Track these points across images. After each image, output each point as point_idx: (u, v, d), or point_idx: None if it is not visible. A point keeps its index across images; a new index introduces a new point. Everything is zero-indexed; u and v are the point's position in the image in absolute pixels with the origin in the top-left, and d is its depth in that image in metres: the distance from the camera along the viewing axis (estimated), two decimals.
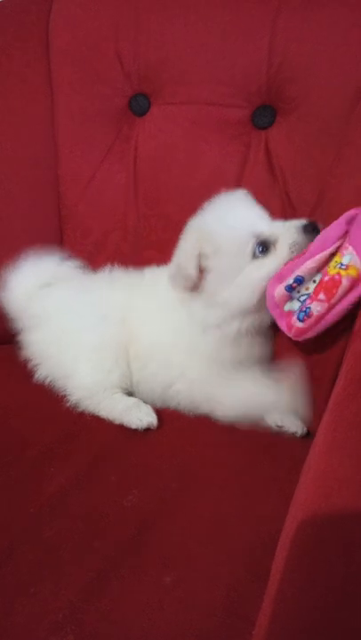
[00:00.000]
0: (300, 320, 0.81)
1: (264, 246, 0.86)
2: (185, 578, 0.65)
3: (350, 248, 0.75)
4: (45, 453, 0.84)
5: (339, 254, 0.78)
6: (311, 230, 0.84)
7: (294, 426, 0.87)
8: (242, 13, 1.02)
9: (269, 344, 0.96)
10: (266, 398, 0.88)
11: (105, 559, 0.67)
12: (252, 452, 0.86)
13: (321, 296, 0.77)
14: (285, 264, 0.84)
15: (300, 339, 0.82)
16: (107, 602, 0.62)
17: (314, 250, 0.80)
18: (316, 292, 0.79)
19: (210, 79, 1.04)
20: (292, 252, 0.85)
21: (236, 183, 1.05)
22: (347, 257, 0.75)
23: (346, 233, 0.77)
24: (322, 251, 0.79)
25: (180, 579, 0.64)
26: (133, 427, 0.89)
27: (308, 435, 0.88)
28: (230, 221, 0.87)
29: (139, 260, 1.10)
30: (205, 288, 0.87)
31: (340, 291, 0.75)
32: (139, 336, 0.97)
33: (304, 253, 0.82)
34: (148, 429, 0.90)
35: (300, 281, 0.82)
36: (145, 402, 0.95)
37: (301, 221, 0.86)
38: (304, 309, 0.80)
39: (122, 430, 0.90)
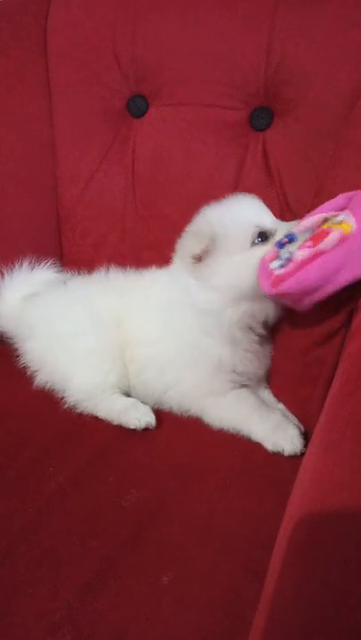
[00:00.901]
0: (281, 267, 0.77)
1: (263, 237, 0.88)
2: (183, 577, 0.65)
3: (347, 210, 0.74)
4: (44, 453, 0.84)
5: (334, 217, 0.76)
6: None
7: (290, 448, 0.85)
8: (239, 14, 1.02)
9: (267, 351, 0.96)
10: (251, 424, 0.89)
11: (103, 559, 0.67)
12: (250, 451, 0.86)
13: (308, 243, 0.75)
14: None
15: (277, 289, 0.76)
16: (104, 602, 0.62)
17: (308, 216, 0.81)
18: (305, 243, 0.76)
19: (208, 80, 1.05)
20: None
21: (234, 184, 1.06)
22: (341, 216, 0.74)
23: (343, 208, 0.77)
24: (317, 214, 0.79)
25: (177, 578, 0.65)
26: (132, 427, 0.90)
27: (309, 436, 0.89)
28: (238, 211, 0.90)
29: (137, 260, 1.11)
30: (205, 269, 0.89)
31: (329, 240, 0.72)
32: (136, 339, 0.98)
33: None
34: (146, 429, 0.90)
35: (291, 238, 0.81)
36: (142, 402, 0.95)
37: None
38: (288, 257, 0.77)
39: (120, 430, 0.90)
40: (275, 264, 0.80)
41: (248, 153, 1.06)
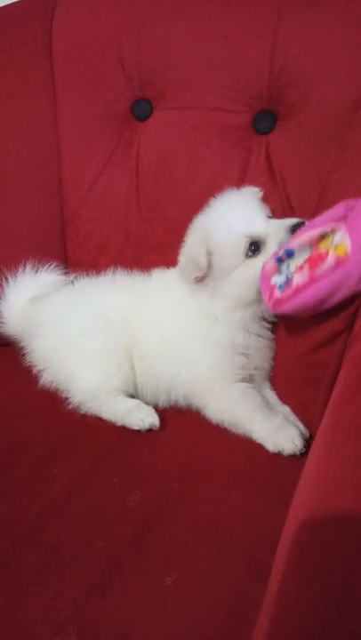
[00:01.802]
0: (280, 289, 0.81)
1: (255, 246, 0.90)
2: (187, 578, 0.65)
3: (343, 229, 0.76)
4: (48, 454, 0.85)
5: (332, 234, 0.78)
6: (298, 229, 0.87)
7: (290, 447, 0.86)
8: (244, 18, 1.03)
9: (272, 346, 0.98)
10: (254, 422, 0.89)
11: (107, 559, 0.68)
12: (253, 452, 0.86)
13: (305, 269, 0.78)
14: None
15: (277, 311, 0.83)
16: (109, 602, 0.63)
17: (307, 227, 0.82)
18: (302, 265, 0.79)
19: (211, 84, 1.05)
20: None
21: (237, 187, 1.06)
22: (338, 235, 0.76)
23: (343, 218, 0.78)
24: (316, 227, 0.80)
25: (181, 579, 0.65)
26: (136, 427, 0.91)
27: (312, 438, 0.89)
28: (228, 222, 0.92)
29: (140, 263, 1.11)
30: (210, 282, 0.93)
31: (325, 266, 0.75)
32: (148, 335, 0.98)
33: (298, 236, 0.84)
34: (150, 430, 0.91)
35: (290, 254, 0.82)
36: (147, 404, 0.96)
37: (292, 220, 0.90)
38: (286, 280, 0.81)
39: (124, 431, 0.91)
40: (276, 279, 0.84)
41: (251, 156, 1.06)
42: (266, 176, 1.04)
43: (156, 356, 0.98)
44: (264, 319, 0.96)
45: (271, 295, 0.84)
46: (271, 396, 0.98)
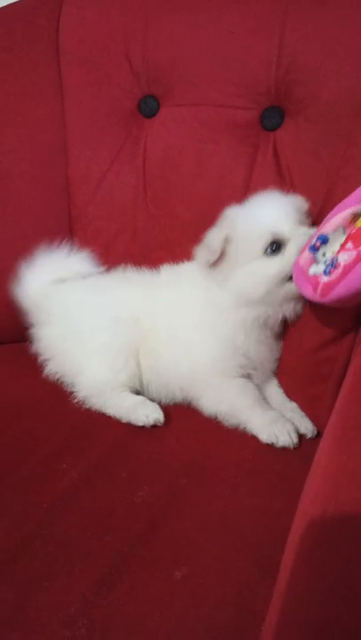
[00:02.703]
0: (327, 274, 0.74)
1: (277, 245, 0.89)
2: (195, 573, 0.65)
3: None
4: (57, 450, 0.85)
5: None
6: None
7: (285, 439, 0.87)
8: (251, 14, 1.02)
9: (277, 348, 0.98)
10: (250, 413, 0.90)
11: (116, 554, 0.68)
12: (261, 449, 0.87)
13: (349, 245, 0.72)
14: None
15: (329, 297, 0.74)
16: (118, 596, 0.63)
17: (336, 210, 0.79)
18: (342, 245, 0.74)
19: (219, 80, 1.05)
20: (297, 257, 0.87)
21: (245, 184, 1.06)
22: None
23: None
24: (346, 208, 0.77)
25: (190, 574, 0.65)
26: (140, 424, 0.91)
27: (318, 434, 0.89)
28: (256, 215, 0.92)
29: (148, 260, 1.11)
30: (222, 269, 0.92)
31: None
32: (155, 328, 0.99)
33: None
34: (155, 426, 0.91)
35: (324, 240, 0.79)
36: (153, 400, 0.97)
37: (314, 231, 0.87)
38: (331, 263, 0.75)
39: (132, 428, 0.91)
40: (315, 269, 0.79)
41: (259, 152, 1.06)
42: (273, 172, 1.04)
43: (161, 348, 0.98)
44: (266, 326, 0.94)
45: (316, 284, 0.77)
46: (277, 391, 0.98)
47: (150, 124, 1.14)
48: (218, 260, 0.91)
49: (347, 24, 0.95)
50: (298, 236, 0.88)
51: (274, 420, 0.88)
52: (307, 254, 0.82)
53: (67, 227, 1.20)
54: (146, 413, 0.91)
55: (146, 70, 1.10)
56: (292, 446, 0.85)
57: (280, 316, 0.93)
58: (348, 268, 0.71)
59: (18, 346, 1.10)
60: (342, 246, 0.74)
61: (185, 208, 1.10)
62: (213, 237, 0.91)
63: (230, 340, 0.94)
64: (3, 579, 0.65)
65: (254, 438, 0.89)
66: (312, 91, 0.98)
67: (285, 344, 0.98)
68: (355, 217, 0.76)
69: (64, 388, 1.00)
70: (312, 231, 0.87)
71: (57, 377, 1.01)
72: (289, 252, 0.88)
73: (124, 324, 0.99)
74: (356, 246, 0.71)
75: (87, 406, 0.96)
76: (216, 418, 0.93)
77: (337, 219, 0.78)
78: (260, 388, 0.98)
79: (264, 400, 0.95)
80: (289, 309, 0.92)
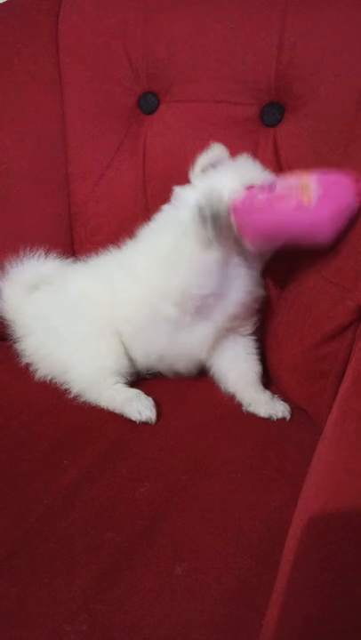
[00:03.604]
0: (242, 200, 0.86)
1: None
2: (196, 568, 0.66)
3: (321, 187, 0.81)
4: (57, 447, 0.85)
5: (311, 184, 0.82)
6: None
7: (281, 412, 0.93)
8: (251, 10, 1.02)
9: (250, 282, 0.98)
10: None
11: (117, 550, 0.68)
12: (261, 445, 0.87)
13: (270, 196, 0.84)
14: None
15: (234, 215, 0.86)
16: (119, 592, 0.63)
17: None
18: (270, 193, 0.84)
19: (219, 77, 1.05)
20: None
21: None
22: (313, 190, 0.80)
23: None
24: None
25: (191, 569, 0.65)
26: (133, 418, 0.91)
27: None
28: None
29: None
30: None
31: (285, 205, 0.81)
32: (130, 295, 0.99)
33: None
34: (158, 424, 0.91)
35: (264, 188, 0.87)
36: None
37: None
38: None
39: (132, 424, 0.91)
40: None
41: (259, 149, 1.06)
42: (273, 168, 1.04)
43: (140, 304, 0.98)
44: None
45: (233, 202, 0.87)
46: (256, 396, 0.97)
47: (150, 120, 1.14)
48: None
49: (347, 20, 0.95)
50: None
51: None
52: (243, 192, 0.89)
53: (66, 224, 1.20)
54: (139, 409, 0.91)
55: (145, 66, 1.10)
56: (288, 416, 0.93)
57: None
58: (258, 211, 0.84)
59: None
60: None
61: None
62: (218, 147, 0.98)
63: (181, 253, 0.92)
64: (4, 574, 0.65)
65: (255, 433, 0.90)
66: (312, 87, 0.98)
67: (286, 341, 0.98)
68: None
69: (62, 385, 1.00)
70: None
71: (50, 379, 1.02)
72: None
73: (90, 310, 1.00)
74: (272, 200, 0.83)
75: (83, 400, 0.96)
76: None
77: (290, 179, 0.86)
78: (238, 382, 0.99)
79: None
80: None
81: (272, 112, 1.04)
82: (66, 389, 0.99)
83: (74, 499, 0.75)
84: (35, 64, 1.14)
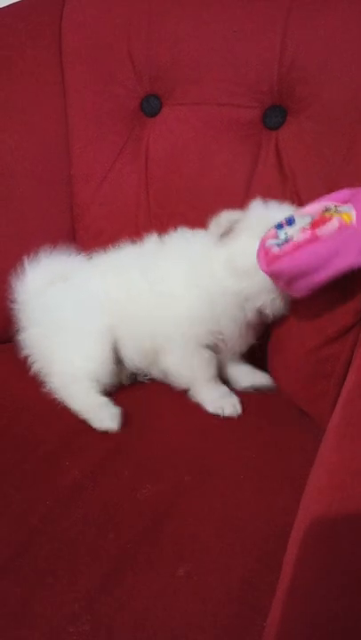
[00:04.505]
0: (278, 246, 0.81)
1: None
2: (199, 569, 0.66)
3: (350, 204, 0.77)
4: (59, 448, 0.85)
5: (335, 207, 0.79)
6: None
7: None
8: (253, 13, 1.03)
9: (249, 335, 1.01)
10: (198, 388, 0.98)
11: (120, 551, 0.68)
12: (263, 447, 0.87)
13: (307, 229, 0.78)
14: None
15: (269, 268, 0.82)
16: (122, 593, 0.63)
17: (315, 202, 0.84)
18: (304, 228, 0.80)
19: (221, 79, 1.05)
20: None
21: (247, 182, 1.06)
22: (345, 207, 0.77)
23: (347, 201, 0.80)
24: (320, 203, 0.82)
25: (194, 570, 0.66)
26: (94, 426, 0.90)
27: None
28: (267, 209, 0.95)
29: None
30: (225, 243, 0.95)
31: (329, 227, 0.76)
32: (137, 289, 1.00)
33: None
34: (158, 426, 0.91)
35: (290, 221, 0.84)
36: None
37: None
38: (285, 239, 0.81)
39: (135, 425, 0.91)
40: (272, 242, 0.83)
41: (261, 151, 1.06)
42: (276, 171, 1.04)
43: (142, 308, 1.00)
44: (243, 309, 0.96)
45: (267, 254, 0.83)
46: (242, 366, 1.05)
47: (153, 123, 1.14)
48: (225, 236, 0.94)
49: (350, 22, 0.96)
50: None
51: (222, 396, 0.97)
52: (272, 230, 0.86)
53: (69, 226, 1.20)
54: (101, 417, 0.91)
55: (148, 69, 1.11)
56: (235, 415, 0.94)
57: (257, 304, 0.95)
58: (298, 246, 0.77)
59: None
60: (303, 229, 0.79)
61: (187, 207, 1.11)
62: (225, 215, 0.95)
63: (209, 303, 0.96)
64: (8, 574, 0.65)
65: (257, 434, 0.90)
66: (314, 89, 0.99)
67: (288, 343, 0.98)
68: (326, 210, 0.80)
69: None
70: None
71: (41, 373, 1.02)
72: None
73: (91, 311, 1.01)
74: (312, 230, 0.76)
75: (56, 396, 0.96)
76: (166, 375, 1.00)
77: (309, 208, 0.83)
78: (223, 365, 1.03)
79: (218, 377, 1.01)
80: (266, 300, 0.94)
81: (274, 115, 1.05)
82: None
83: (76, 499, 0.76)
84: (38, 66, 1.15)
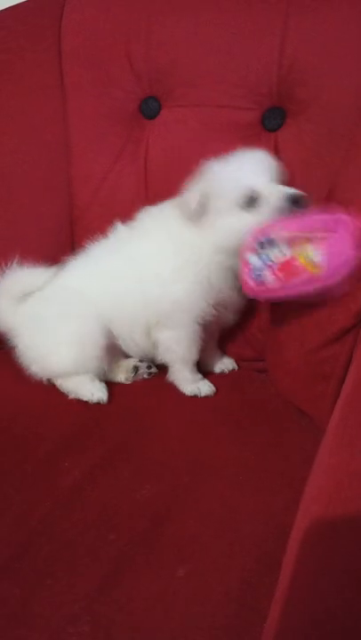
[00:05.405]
0: (254, 280, 0.88)
1: (251, 201, 0.92)
2: (198, 570, 0.66)
3: (324, 250, 0.79)
4: (59, 449, 0.86)
5: (312, 247, 0.81)
6: (297, 201, 0.89)
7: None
8: (253, 15, 1.03)
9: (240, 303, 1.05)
10: (182, 366, 1.03)
11: (119, 552, 0.68)
12: (262, 447, 0.87)
13: (280, 275, 0.84)
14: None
15: (248, 294, 0.91)
16: (121, 594, 0.63)
17: (294, 225, 0.85)
18: (279, 267, 0.84)
19: (220, 81, 1.06)
20: (273, 215, 0.90)
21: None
22: (318, 256, 0.80)
23: (332, 230, 0.80)
24: (300, 230, 0.83)
25: (193, 571, 0.66)
26: (85, 399, 0.97)
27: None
28: (233, 171, 0.95)
29: None
30: (202, 222, 0.96)
31: (298, 280, 0.82)
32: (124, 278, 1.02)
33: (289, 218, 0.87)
34: (160, 427, 0.91)
35: (271, 242, 0.86)
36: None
37: (293, 190, 0.91)
38: (260, 274, 0.87)
39: (134, 426, 0.92)
40: (253, 260, 0.88)
41: None
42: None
43: (131, 293, 1.01)
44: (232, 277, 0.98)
45: (245, 274, 0.89)
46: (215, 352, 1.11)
47: (152, 125, 1.14)
48: (197, 214, 0.95)
49: (349, 25, 0.96)
50: (273, 194, 0.90)
51: (198, 379, 1.03)
52: (253, 242, 0.88)
53: (68, 228, 1.20)
54: (92, 390, 0.98)
55: (147, 71, 1.11)
56: (212, 394, 1.02)
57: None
58: (270, 291, 0.86)
59: None
60: (278, 269, 0.85)
61: None
62: (190, 195, 0.95)
63: (206, 278, 0.98)
64: (7, 575, 0.65)
65: (256, 435, 0.90)
66: (313, 91, 0.99)
67: (287, 344, 0.99)
68: (307, 239, 0.82)
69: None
70: (288, 190, 0.90)
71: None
72: (264, 211, 0.91)
73: (81, 310, 1.02)
74: (284, 281, 0.84)
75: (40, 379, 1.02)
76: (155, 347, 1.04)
77: (287, 233, 0.85)
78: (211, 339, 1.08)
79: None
80: None
81: (273, 117, 1.05)
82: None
83: (76, 501, 0.76)
84: (37, 68, 1.15)
